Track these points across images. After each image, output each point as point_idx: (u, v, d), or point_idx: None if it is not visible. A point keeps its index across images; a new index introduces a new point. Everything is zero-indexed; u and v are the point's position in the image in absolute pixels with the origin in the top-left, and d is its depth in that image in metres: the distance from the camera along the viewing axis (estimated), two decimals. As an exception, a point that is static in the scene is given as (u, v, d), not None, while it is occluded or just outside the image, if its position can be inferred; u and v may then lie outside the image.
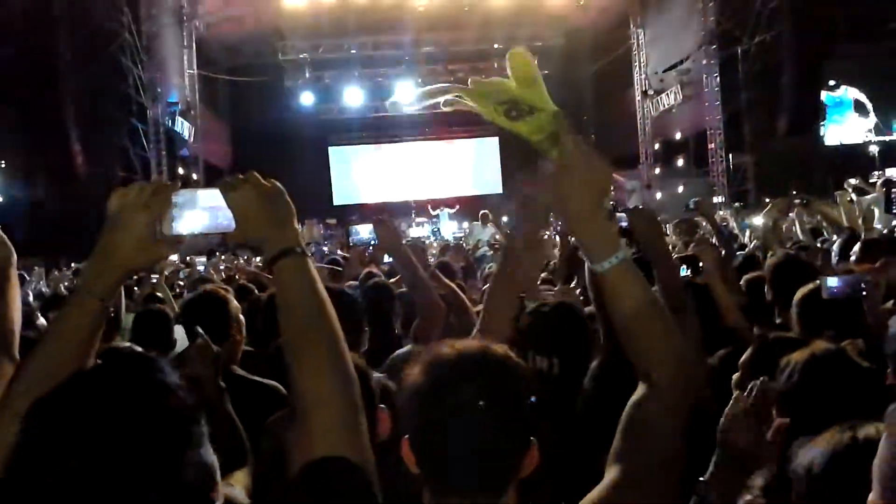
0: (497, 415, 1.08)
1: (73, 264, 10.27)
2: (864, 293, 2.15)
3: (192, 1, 18.63)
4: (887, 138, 18.90)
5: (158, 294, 5.11)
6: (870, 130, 19.23)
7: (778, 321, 2.50)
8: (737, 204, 18.34)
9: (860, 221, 4.15)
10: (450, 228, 19.05)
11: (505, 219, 20.29)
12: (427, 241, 14.84)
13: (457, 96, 1.41)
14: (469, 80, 1.40)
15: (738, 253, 5.14)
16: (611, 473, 1.22)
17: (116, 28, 15.33)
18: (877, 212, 4.66)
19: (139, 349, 2.54)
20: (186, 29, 19.05)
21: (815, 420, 1.39)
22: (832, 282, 2.16)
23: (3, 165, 15.76)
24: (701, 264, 2.54)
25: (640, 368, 1.25)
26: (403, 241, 2.97)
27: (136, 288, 5.55)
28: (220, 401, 1.58)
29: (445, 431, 1.08)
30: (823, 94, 18.95)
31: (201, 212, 1.24)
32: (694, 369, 1.29)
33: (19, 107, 15.34)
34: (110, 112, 15.35)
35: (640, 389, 1.25)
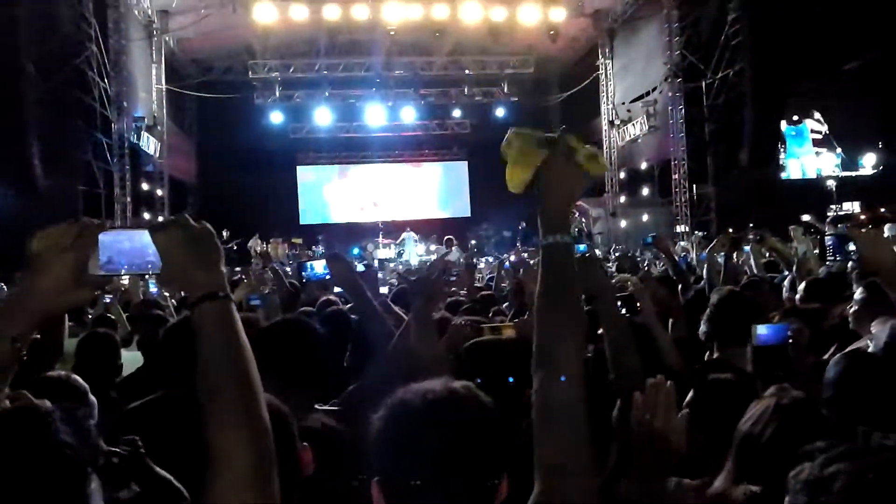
0: (465, 457, 1.09)
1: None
2: (791, 341, 2.21)
3: (163, 16, 18.51)
4: (854, 174, 19.56)
5: (111, 315, 4.98)
6: (837, 165, 19.88)
7: (716, 356, 2.53)
8: (699, 233, 18.69)
9: (794, 267, 4.24)
10: (416, 252, 19.03)
11: (474, 242, 20.45)
12: (392, 264, 14.83)
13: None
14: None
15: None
16: None
17: (83, 39, 15.14)
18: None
19: (76, 378, 2.48)
20: (156, 44, 18.92)
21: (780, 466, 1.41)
22: (761, 330, 2.22)
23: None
24: (638, 304, 2.57)
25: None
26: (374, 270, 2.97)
27: (89, 309, 5.42)
28: (141, 463, 1.53)
29: (415, 475, 1.09)
30: (784, 125, 19.56)
31: (128, 252, 1.22)
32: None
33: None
34: (73, 124, 15.08)
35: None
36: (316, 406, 2.25)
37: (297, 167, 24.94)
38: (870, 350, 2.22)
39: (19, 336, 1.15)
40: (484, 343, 2.34)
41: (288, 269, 14.95)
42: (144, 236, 1.20)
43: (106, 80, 15.84)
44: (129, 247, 1.21)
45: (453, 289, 6.08)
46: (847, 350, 2.29)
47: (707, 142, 18.10)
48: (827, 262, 3.81)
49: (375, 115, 23.12)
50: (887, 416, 1.72)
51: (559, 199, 1.44)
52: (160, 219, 1.20)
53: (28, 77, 13.89)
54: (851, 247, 2.23)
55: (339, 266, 2.69)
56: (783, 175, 19.43)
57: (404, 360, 2.34)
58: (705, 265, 4.00)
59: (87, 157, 15.43)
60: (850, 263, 3.59)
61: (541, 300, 1.38)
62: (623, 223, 20.64)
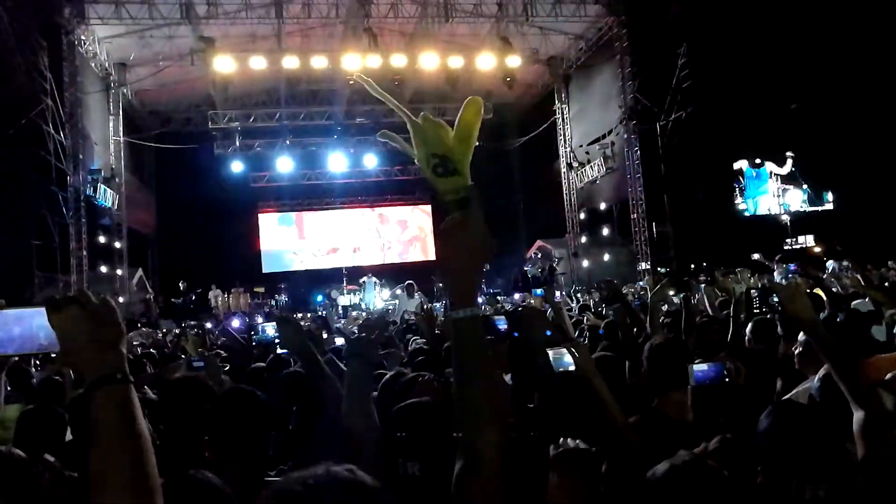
0: None
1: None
2: (728, 380, 2.23)
3: (121, 68, 18.49)
4: (819, 208, 20.24)
5: (57, 378, 4.76)
6: (804, 201, 20.54)
7: (654, 404, 2.53)
8: (662, 269, 18.97)
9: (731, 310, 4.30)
10: (380, 297, 18.95)
11: (441, 285, 20.42)
12: (355, 312, 14.72)
13: (404, 136, 1.54)
14: (421, 116, 1.55)
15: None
16: None
17: (37, 92, 15.02)
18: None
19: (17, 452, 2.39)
20: (113, 96, 18.84)
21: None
22: (698, 368, 2.23)
23: None
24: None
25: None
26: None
27: (35, 370, 5.21)
28: None
29: None
30: (743, 165, 20.18)
31: (19, 333, 1.19)
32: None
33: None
34: (27, 178, 14.85)
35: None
36: (267, 479, 2.21)
37: (259, 215, 24.79)
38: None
39: None
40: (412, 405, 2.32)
41: (247, 318, 14.80)
42: (39, 316, 1.17)
43: (62, 133, 15.68)
44: (19, 328, 1.18)
45: (410, 336, 6.05)
46: (779, 401, 2.32)
47: (663, 181, 18.51)
48: (754, 312, 3.88)
49: (337, 163, 23.22)
50: (817, 467, 1.74)
51: (466, 268, 1.40)
52: (57, 296, 1.15)
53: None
54: (775, 298, 2.27)
55: (288, 329, 2.66)
56: (739, 213, 19.99)
57: (336, 440, 2.30)
58: (648, 310, 4.01)
59: (41, 211, 15.17)
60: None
61: (456, 380, 1.36)
62: (585, 263, 20.86)
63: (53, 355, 1.17)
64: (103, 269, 18.05)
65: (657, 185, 18.81)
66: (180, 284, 18.64)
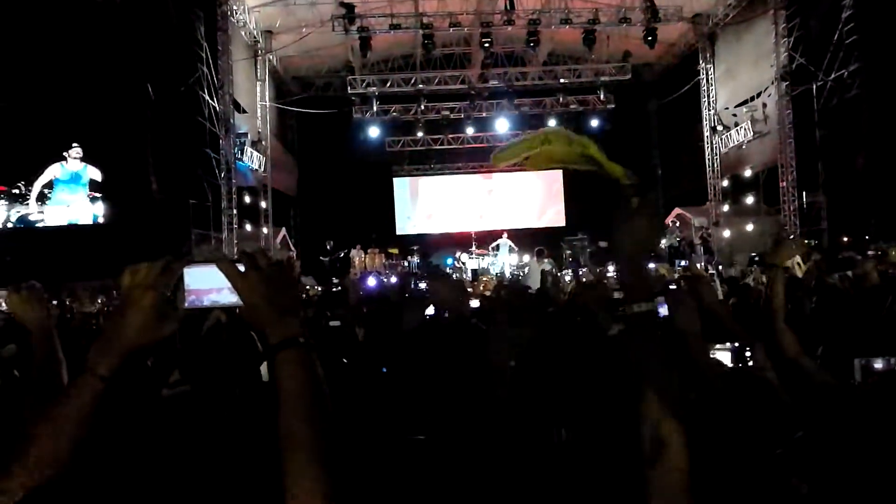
0: None
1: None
2: None
3: (267, 36, 19.34)
4: None
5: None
6: None
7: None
8: (810, 242, 17.68)
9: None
10: (510, 261, 18.95)
11: (568, 252, 20.14)
12: (485, 277, 14.82)
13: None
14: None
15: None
16: None
17: (195, 61, 16.05)
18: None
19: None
20: (260, 63, 19.78)
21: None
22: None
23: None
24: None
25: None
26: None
27: None
28: None
29: None
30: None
31: (212, 287, 1.25)
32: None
33: (107, 134, 16.23)
34: (185, 142, 15.99)
35: None
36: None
37: (394, 179, 25.40)
38: None
39: (108, 374, 1.19)
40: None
41: (384, 279, 15.27)
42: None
43: (214, 99, 16.68)
44: (212, 282, 1.24)
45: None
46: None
47: (818, 147, 17.11)
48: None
49: (471, 127, 23.28)
50: None
51: (637, 256, 1.39)
52: (243, 251, 1.20)
53: (147, 98, 14.87)
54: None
55: (437, 283, 2.75)
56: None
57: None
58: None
59: (197, 172, 16.30)
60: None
61: (645, 382, 1.33)
62: (726, 233, 19.80)
63: (239, 309, 1.23)
64: (248, 227, 19.22)
65: (811, 151, 17.42)
66: (327, 244, 19.52)
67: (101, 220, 18.35)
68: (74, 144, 18.27)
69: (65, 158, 18.90)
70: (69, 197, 19.15)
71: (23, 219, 18.47)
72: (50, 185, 18.98)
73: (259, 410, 2.29)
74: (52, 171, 19.06)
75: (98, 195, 18.74)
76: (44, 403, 1.85)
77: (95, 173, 19.16)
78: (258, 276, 1.20)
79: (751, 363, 2.47)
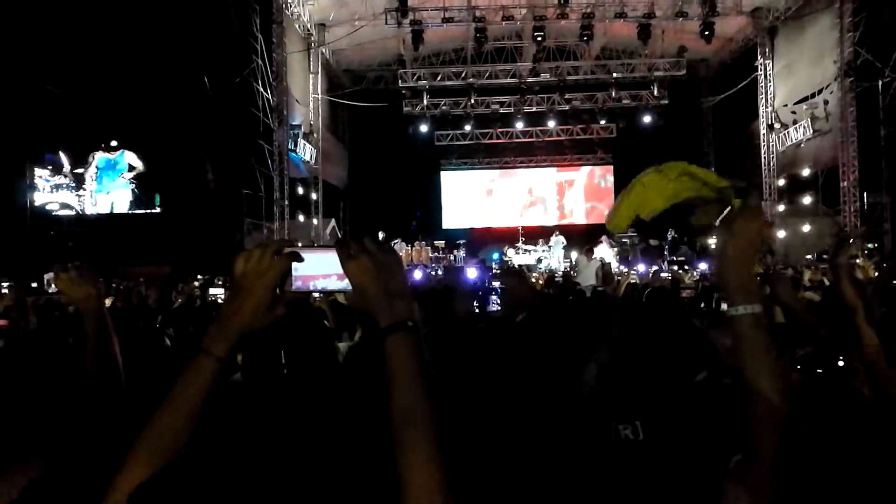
0: None
1: (199, 276, 10.90)
2: None
3: (320, 28, 19.54)
4: None
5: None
6: None
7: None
8: (872, 245, 17.13)
9: None
10: (561, 257, 18.84)
11: (616, 249, 19.92)
12: (535, 273, 14.73)
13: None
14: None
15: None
16: None
17: (250, 53, 16.32)
18: None
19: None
20: (313, 56, 20.00)
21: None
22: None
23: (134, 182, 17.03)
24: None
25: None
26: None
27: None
28: None
29: None
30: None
31: (319, 272, 1.27)
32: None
33: (164, 125, 16.66)
34: (240, 132, 16.29)
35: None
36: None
37: (441, 173, 25.45)
38: None
39: (224, 355, 1.22)
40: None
41: (430, 272, 15.31)
42: (334, 257, 1.24)
43: (268, 91, 16.94)
44: (319, 267, 1.26)
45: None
46: None
47: (881, 147, 16.52)
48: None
49: (520, 121, 23.17)
50: None
51: (744, 261, 1.39)
52: (345, 239, 1.23)
53: (204, 89, 15.18)
54: None
55: (513, 280, 2.74)
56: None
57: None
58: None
59: (250, 162, 16.60)
60: None
61: (741, 379, 1.36)
62: (781, 233, 19.28)
63: (346, 294, 1.25)
64: (301, 217, 19.50)
65: (874, 151, 16.83)
66: (379, 234, 19.68)
67: (136, 207, 18.83)
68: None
69: (102, 147, 19.53)
70: (108, 184, 19.79)
71: (66, 205, 19.09)
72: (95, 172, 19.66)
73: (339, 393, 2.32)
74: (94, 159, 19.75)
75: (134, 182, 19.27)
76: (100, 379, 1.93)
77: (134, 159, 19.73)
78: (369, 261, 1.22)
79: (841, 367, 2.39)
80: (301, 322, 2.36)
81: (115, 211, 19.56)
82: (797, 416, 1.68)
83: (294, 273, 1.26)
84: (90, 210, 19.45)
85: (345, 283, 1.24)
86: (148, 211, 19.70)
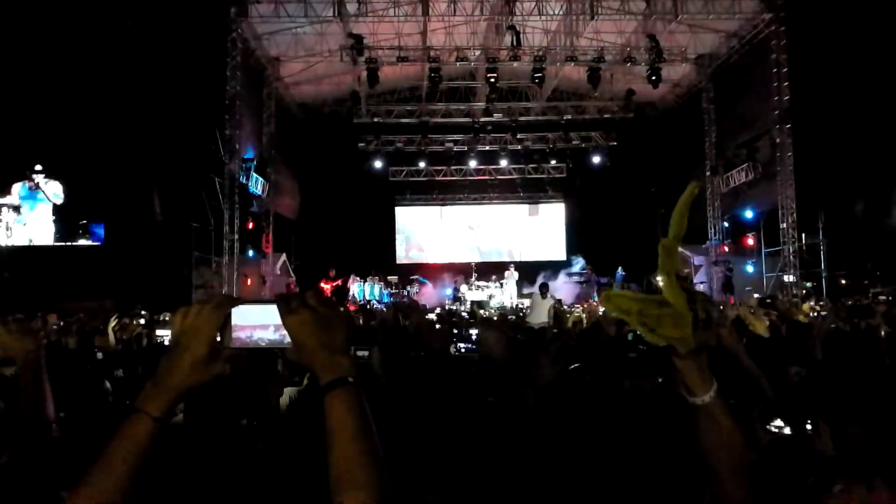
0: None
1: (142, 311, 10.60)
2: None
3: (274, 63, 19.54)
4: None
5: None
6: None
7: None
8: (809, 284, 17.73)
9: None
10: (514, 294, 19.01)
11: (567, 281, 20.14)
12: (484, 311, 14.78)
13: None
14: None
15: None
16: None
17: (203, 86, 16.19)
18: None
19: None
20: (267, 89, 19.96)
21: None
22: None
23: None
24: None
25: None
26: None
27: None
28: None
29: None
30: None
31: (260, 326, 1.25)
32: None
33: (110, 155, 16.33)
34: (190, 166, 16.07)
35: None
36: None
37: (396, 208, 25.52)
38: None
39: (160, 413, 1.19)
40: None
41: (382, 307, 15.21)
42: (274, 311, 1.22)
43: (221, 124, 16.79)
44: (259, 321, 1.24)
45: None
46: None
47: (819, 190, 17.23)
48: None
49: (473, 160, 23.48)
50: None
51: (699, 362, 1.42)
52: (288, 292, 1.23)
53: (152, 120, 14.98)
54: None
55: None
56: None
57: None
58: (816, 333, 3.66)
59: (200, 195, 16.35)
60: None
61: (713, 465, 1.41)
62: (730, 272, 19.83)
63: (284, 350, 1.23)
64: (250, 252, 19.19)
65: (811, 194, 17.54)
66: (330, 272, 19.53)
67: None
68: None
69: (27, 176, 18.98)
70: (28, 214, 19.17)
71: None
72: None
73: (276, 441, 2.28)
74: (16, 189, 19.17)
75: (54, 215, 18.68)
76: (26, 437, 1.85)
77: (57, 188, 19.17)
78: (310, 316, 1.20)
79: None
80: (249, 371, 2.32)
81: (36, 243, 18.82)
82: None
83: (234, 326, 1.24)
84: (3, 242, 18.59)
85: (281, 335, 1.22)
86: (92, 243, 19.14)
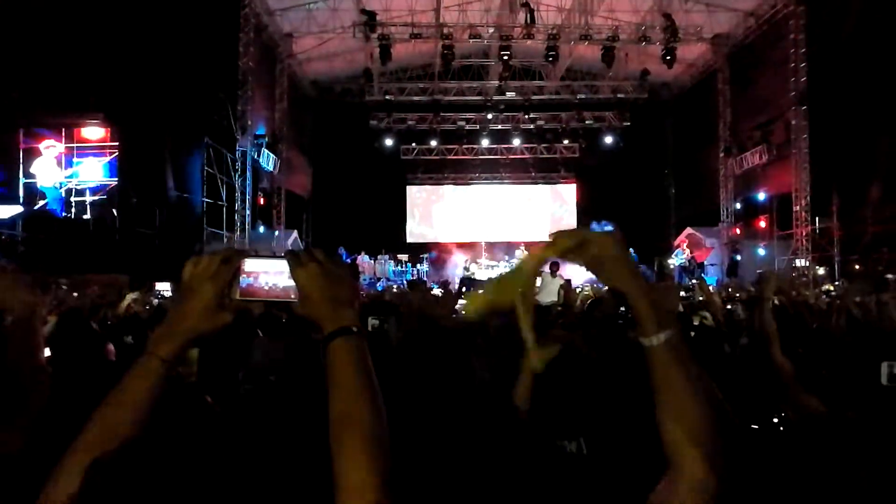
0: None
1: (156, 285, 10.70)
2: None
3: (287, 39, 19.50)
4: None
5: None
6: None
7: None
8: (821, 269, 17.63)
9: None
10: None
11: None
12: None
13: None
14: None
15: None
16: None
17: (215, 61, 16.18)
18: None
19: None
20: (279, 66, 19.94)
21: None
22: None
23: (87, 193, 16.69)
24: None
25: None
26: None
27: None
28: None
29: None
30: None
31: (268, 280, 1.30)
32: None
33: (124, 130, 16.37)
34: (203, 141, 16.11)
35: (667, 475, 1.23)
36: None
37: (407, 187, 25.51)
38: None
39: (169, 357, 1.24)
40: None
41: (393, 285, 15.29)
42: (283, 265, 1.28)
43: (234, 100, 16.82)
44: (268, 275, 1.29)
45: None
46: None
47: (833, 174, 17.06)
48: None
49: (485, 139, 23.40)
50: None
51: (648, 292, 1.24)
52: (297, 249, 1.29)
53: (166, 96, 14.99)
54: None
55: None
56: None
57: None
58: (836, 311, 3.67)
59: (212, 171, 16.42)
60: None
61: (660, 404, 1.21)
62: (738, 256, 19.75)
63: (292, 304, 1.28)
64: (262, 228, 19.33)
65: (826, 178, 17.37)
66: (339, 250, 19.64)
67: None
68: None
69: None
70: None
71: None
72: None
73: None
74: None
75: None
76: (17, 392, 1.90)
77: None
78: (317, 269, 1.26)
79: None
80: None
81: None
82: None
83: (243, 281, 1.28)
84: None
85: (289, 287, 1.27)
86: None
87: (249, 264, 1.29)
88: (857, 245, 16.62)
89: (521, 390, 2.19)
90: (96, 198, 18.04)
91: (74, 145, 16.56)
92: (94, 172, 17.96)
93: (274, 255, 1.30)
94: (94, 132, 17.66)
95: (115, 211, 17.41)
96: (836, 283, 14.26)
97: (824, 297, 9.48)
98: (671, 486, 1.20)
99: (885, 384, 2.13)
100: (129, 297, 6.05)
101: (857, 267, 18.21)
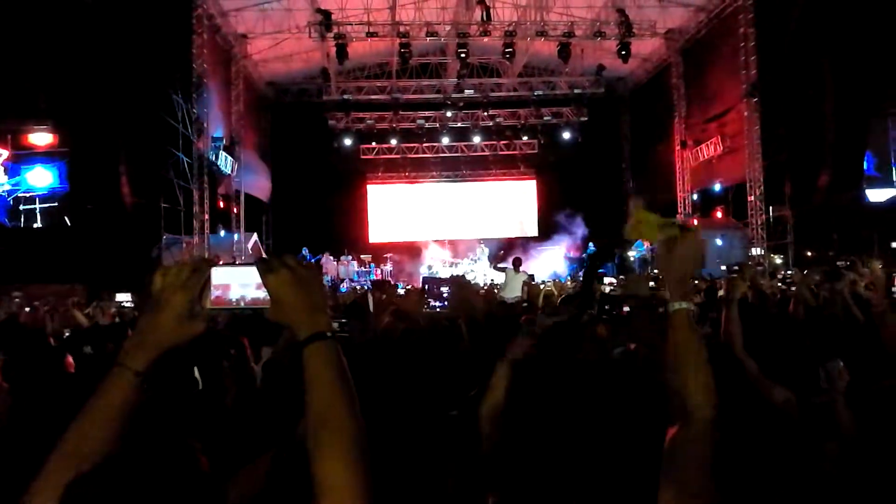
0: None
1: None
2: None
3: (242, 40, 19.24)
4: None
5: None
6: None
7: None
8: (776, 257, 18.09)
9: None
10: (486, 270, 19.13)
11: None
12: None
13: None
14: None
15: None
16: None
17: (170, 64, 15.86)
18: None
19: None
20: (235, 67, 19.66)
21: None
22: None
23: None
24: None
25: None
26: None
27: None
28: None
29: None
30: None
31: (238, 287, 1.28)
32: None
33: (75, 135, 15.99)
34: (158, 145, 15.80)
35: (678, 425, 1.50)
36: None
37: (368, 186, 25.40)
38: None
39: (141, 369, 1.23)
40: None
41: (356, 286, 15.20)
42: (254, 273, 1.27)
43: (189, 103, 16.52)
44: (239, 282, 1.27)
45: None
46: None
47: (785, 164, 17.49)
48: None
49: (445, 136, 23.43)
50: None
51: (683, 273, 1.63)
52: (265, 256, 1.30)
53: (120, 99, 14.67)
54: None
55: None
56: (866, 200, 18.56)
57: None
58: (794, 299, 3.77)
59: (169, 175, 16.11)
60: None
61: (673, 359, 1.57)
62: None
63: (264, 310, 1.27)
64: (222, 232, 19.04)
65: (778, 168, 17.80)
66: (303, 250, 19.48)
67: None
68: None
69: None
70: None
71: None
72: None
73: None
74: None
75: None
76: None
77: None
78: (289, 274, 1.25)
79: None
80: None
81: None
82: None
83: (213, 289, 1.27)
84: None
85: (263, 293, 1.26)
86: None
87: (219, 273, 1.27)
88: (809, 232, 17.08)
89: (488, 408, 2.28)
90: (46, 205, 17.60)
91: (22, 152, 16.09)
92: (43, 179, 17.50)
93: (244, 263, 1.29)
94: (41, 138, 17.23)
95: (66, 219, 17.01)
96: (790, 271, 14.63)
97: (779, 283, 9.72)
98: (683, 430, 1.48)
99: (824, 388, 2.26)
100: (91, 307, 5.93)
101: (809, 254, 18.70)
